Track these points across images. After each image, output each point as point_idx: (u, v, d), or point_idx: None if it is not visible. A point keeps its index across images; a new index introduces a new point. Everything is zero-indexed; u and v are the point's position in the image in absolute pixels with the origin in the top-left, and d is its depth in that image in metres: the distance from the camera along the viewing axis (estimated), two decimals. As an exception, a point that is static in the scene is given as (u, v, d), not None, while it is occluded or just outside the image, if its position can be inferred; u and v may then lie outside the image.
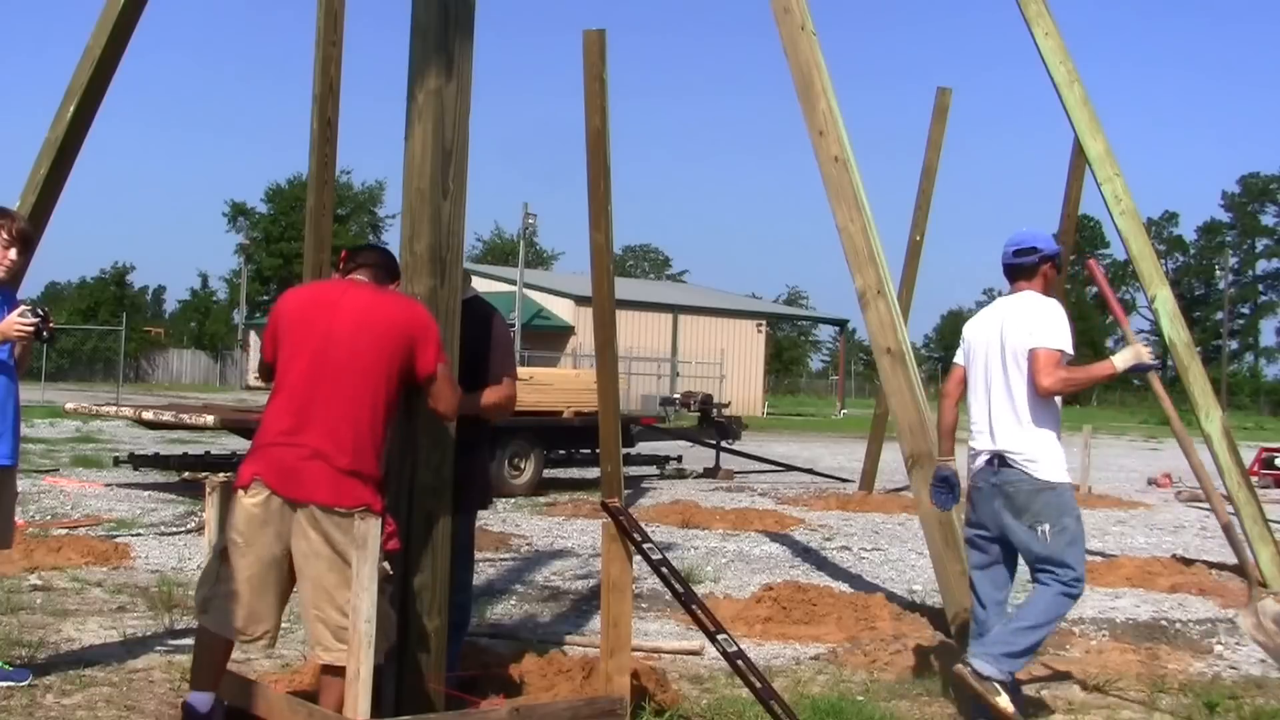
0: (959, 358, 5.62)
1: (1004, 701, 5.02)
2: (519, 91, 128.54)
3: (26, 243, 5.60)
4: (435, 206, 4.61)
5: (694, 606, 4.85)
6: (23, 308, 5.37)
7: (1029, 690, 6.05)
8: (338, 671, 4.16)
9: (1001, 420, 5.26)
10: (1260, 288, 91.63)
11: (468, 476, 4.97)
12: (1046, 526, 5.13)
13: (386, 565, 4.21)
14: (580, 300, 40.24)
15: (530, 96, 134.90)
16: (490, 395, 5.15)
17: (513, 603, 8.01)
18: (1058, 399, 5.27)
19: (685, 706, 5.38)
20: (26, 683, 5.40)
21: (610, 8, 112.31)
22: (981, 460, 5.34)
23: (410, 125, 4.66)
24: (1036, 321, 5.23)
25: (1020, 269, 5.44)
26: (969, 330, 5.58)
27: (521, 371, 6.55)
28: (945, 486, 5.61)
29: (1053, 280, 5.51)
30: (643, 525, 5.16)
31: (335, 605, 4.19)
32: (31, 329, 5.28)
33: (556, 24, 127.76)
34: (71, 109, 7.86)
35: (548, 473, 15.34)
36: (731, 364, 45.69)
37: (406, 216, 4.70)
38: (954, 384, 5.61)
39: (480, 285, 5.85)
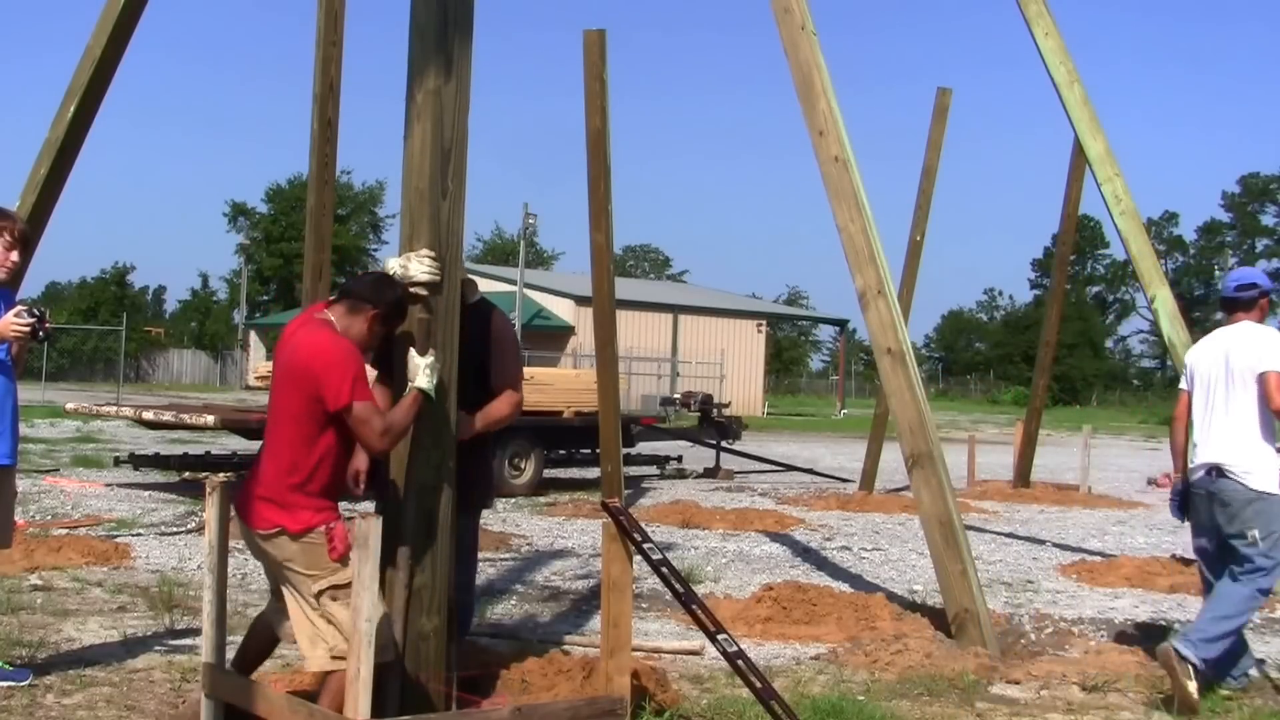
0: (1184, 384, 6.29)
1: (1192, 688, 5.59)
2: (519, 91, 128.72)
3: (26, 244, 5.66)
4: (435, 206, 4.61)
5: (694, 606, 4.85)
6: (19, 308, 5.37)
7: (1029, 692, 6.06)
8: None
9: (1222, 435, 5.82)
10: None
11: (471, 476, 4.96)
12: (1256, 532, 5.74)
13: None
14: (580, 300, 40.20)
15: (530, 96, 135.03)
16: (495, 410, 5.17)
17: (513, 603, 8.01)
18: (1276, 420, 5.83)
19: (685, 706, 5.38)
20: (26, 683, 5.41)
21: (610, 8, 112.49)
22: (1201, 472, 5.95)
23: (409, 125, 4.66)
24: (1265, 348, 5.83)
25: (1239, 302, 6.13)
26: (1192, 358, 6.24)
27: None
28: (1181, 500, 6.15)
29: (1266, 312, 6.08)
30: (643, 525, 5.15)
31: (295, 608, 4.47)
32: (28, 329, 5.28)
33: (556, 24, 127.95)
34: (71, 109, 7.87)
35: (548, 473, 15.33)
36: (731, 364, 45.65)
37: (406, 216, 4.71)
38: (1182, 409, 6.27)
39: (480, 285, 5.86)
